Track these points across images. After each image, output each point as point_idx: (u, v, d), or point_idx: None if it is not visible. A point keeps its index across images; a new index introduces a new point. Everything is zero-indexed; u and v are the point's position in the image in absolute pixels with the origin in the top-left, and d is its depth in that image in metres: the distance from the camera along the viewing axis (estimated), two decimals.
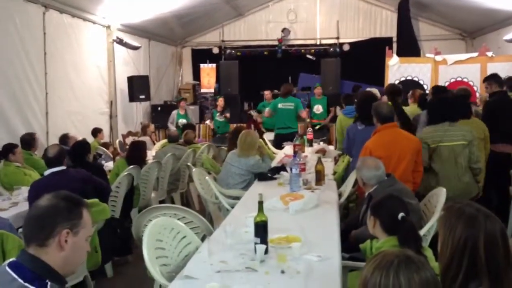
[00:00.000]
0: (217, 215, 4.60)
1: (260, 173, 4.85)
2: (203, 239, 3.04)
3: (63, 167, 4.01)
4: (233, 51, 12.54)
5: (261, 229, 2.60)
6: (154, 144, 8.90)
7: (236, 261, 2.53)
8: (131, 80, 10.02)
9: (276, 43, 12.43)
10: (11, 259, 1.62)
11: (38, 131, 6.80)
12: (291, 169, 4.24)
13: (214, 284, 2.19)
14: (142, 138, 8.12)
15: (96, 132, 8.23)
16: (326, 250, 2.68)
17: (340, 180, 5.19)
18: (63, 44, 7.84)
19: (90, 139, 7.59)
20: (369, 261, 1.43)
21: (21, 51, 6.73)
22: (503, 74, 6.47)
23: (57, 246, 1.62)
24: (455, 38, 12.17)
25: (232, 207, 3.95)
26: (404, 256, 1.38)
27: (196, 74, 13.23)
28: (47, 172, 4.00)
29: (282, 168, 4.98)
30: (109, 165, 6.51)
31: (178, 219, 3.15)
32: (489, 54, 8.61)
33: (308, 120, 9.70)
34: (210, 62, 12.73)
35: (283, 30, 12.52)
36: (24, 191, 4.46)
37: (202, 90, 12.92)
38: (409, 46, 11.10)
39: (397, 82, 8.46)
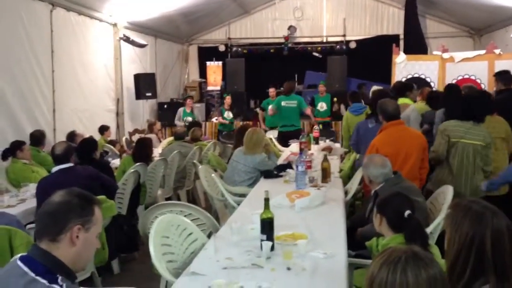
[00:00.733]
0: (223, 212, 4.61)
1: (266, 171, 4.86)
2: (209, 236, 3.05)
3: (71, 164, 4.02)
4: (239, 49, 12.53)
5: (267, 226, 2.60)
6: (161, 141, 8.93)
7: (242, 258, 2.54)
8: (137, 77, 10.05)
9: (282, 40, 12.41)
10: (22, 254, 1.64)
11: (45, 128, 6.82)
12: (297, 167, 4.24)
13: (220, 280, 2.19)
14: (148, 136, 8.12)
15: (103, 129, 8.28)
16: (332, 247, 2.67)
17: (346, 178, 5.19)
18: (70, 42, 7.88)
19: (97, 137, 7.64)
20: (377, 257, 1.43)
21: (28, 49, 6.75)
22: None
23: (68, 241, 1.65)
24: (462, 35, 12.11)
25: (238, 204, 3.96)
26: (411, 253, 1.38)
27: (203, 72, 13.25)
28: (55, 169, 4.01)
29: (288, 165, 4.99)
30: (115, 162, 6.52)
31: (185, 216, 3.16)
32: (497, 51, 8.54)
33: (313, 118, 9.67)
34: (216, 60, 12.74)
35: (289, 27, 12.50)
36: (31, 188, 4.49)
37: (209, 88, 12.93)
38: (416, 44, 11.05)
39: (404, 79, 8.41)
